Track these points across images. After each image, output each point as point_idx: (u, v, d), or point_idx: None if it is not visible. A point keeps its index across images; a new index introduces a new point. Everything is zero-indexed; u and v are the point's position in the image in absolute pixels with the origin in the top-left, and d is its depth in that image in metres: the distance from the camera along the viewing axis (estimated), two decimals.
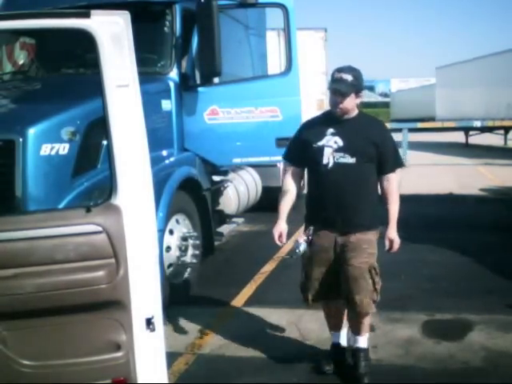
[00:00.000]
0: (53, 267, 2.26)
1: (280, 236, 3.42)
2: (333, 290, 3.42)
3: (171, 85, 5.15)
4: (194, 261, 5.06)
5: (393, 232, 3.41)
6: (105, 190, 2.81)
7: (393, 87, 46.97)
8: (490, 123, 17.81)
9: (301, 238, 3.41)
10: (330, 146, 3.30)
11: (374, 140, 3.31)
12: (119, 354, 2.33)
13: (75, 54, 5.31)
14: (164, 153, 5.02)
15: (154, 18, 5.22)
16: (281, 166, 3.61)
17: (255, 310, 4.68)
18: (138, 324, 2.34)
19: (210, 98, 5.30)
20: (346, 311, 3.55)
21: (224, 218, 6.11)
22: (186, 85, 5.28)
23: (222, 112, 5.30)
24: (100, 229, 2.28)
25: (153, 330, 2.36)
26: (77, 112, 4.25)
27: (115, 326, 2.34)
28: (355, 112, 3.37)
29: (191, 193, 5.17)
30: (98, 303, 2.30)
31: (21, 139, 3.85)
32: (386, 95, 49.96)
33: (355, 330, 3.52)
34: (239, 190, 6.64)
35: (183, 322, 4.45)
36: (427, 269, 5.66)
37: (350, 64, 3.38)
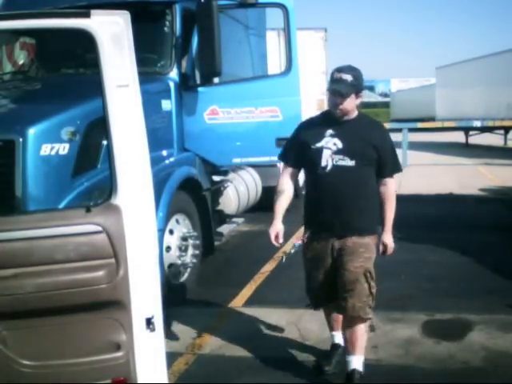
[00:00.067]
0: (53, 267, 2.26)
1: (276, 236, 3.34)
2: (334, 294, 3.35)
3: (171, 85, 5.15)
4: (194, 261, 5.07)
5: (388, 236, 3.36)
6: (105, 189, 2.81)
7: (393, 87, 47.00)
8: (490, 123, 17.83)
9: (297, 240, 3.43)
10: (329, 147, 3.22)
11: (373, 143, 3.23)
12: (119, 353, 2.33)
13: (75, 54, 5.31)
14: (164, 153, 5.01)
15: (154, 18, 5.22)
16: (281, 165, 3.52)
17: (255, 310, 4.68)
18: (138, 324, 2.34)
19: (210, 98, 5.30)
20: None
21: (224, 218, 6.11)
22: (186, 85, 5.28)
23: (222, 112, 5.30)
24: (100, 229, 2.28)
25: (153, 329, 2.36)
26: (77, 112, 4.25)
27: (115, 325, 2.34)
28: (355, 113, 3.29)
29: (191, 193, 5.17)
30: (98, 303, 2.30)
31: (21, 139, 3.85)
32: (386, 95, 49.98)
33: (350, 346, 3.33)
34: (239, 190, 6.64)
35: (183, 322, 4.45)
36: (427, 269, 5.66)
37: (349, 64, 3.29)
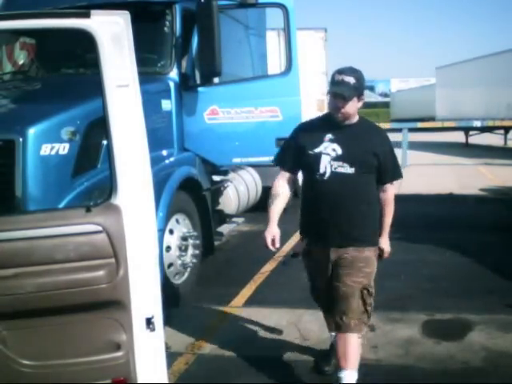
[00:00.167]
0: (53, 267, 2.27)
1: (273, 240, 3.19)
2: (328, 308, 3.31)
3: (171, 85, 5.15)
4: (194, 260, 5.07)
5: (384, 241, 3.29)
6: (105, 189, 2.81)
7: (393, 87, 46.98)
8: (490, 123, 17.83)
9: (295, 248, 3.41)
10: (328, 153, 3.06)
11: (374, 150, 3.08)
12: (119, 353, 2.33)
13: (75, 53, 5.31)
14: (164, 153, 5.02)
15: (154, 18, 5.22)
16: None
17: (255, 310, 4.68)
18: (138, 324, 2.34)
19: (210, 98, 5.31)
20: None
21: (224, 217, 6.11)
22: (186, 85, 5.28)
23: (222, 112, 5.30)
24: (100, 228, 2.28)
25: (153, 329, 2.36)
26: (77, 112, 4.25)
27: (115, 325, 2.34)
28: (356, 117, 3.14)
29: (191, 193, 5.17)
30: (98, 303, 2.30)
31: (21, 139, 3.85)
32: (386, 95, 49.93)
33: (342, 360, 3.11)
34: (239, 190, 6.64)
35: (183, 322, 4.45)
36: (427, 269, 5.66)
37: (350, 64, 3.15)
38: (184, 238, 4.94)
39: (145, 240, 2.33)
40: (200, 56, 5.10)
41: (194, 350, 4.00)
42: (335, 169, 3.05)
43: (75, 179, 4.14)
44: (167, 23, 5.23)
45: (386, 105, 42.89)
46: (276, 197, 3.24)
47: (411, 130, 16.84)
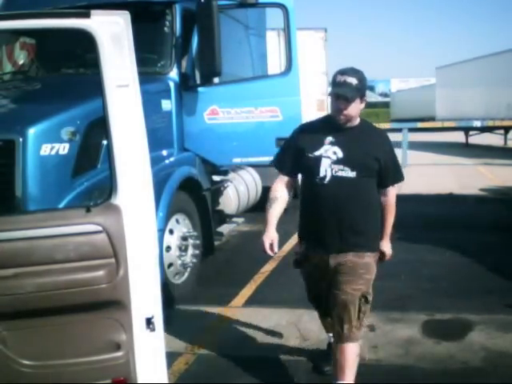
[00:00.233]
0: (53, 267, 2.27)
1: (271, 245, 3.08)
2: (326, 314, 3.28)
3: (171, 85, 5.15)
4: (194, 260, 5.07)
5: (385, 244, 3.25)
6: (105, 189, 2.81)
7: (393, 87, 47.01)
8: (490, 123, 17.82)
9: (297, 255, 3.29)
10: (329, 156, 2.98)
11: (376, 153, 3.02)
12: (119, 353, 2.33)
13: (75, 53, 5.32)
14: (164, 153, 5.02)
15: (154, 18, 5.23)
16: None
17: (255, 310, 4.68)
18: (138, 324, 2.34)
19: (210, 98, 5.31)
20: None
21: (224, 217, 6.12)
22: (186, 85, 5.28)
23: (222, 112, 5.30)
24: (100, 228, 2.28)
25: (153, 329, 2.36)
26: (77, 112, 4.26)
27: (115, 325, 2.34)
28: (358, 120, 3.06)
29: (191, 193, 5.17)
30: (98, 303, 2.30)
31: (21, 139, 3.85)
32: (386, 95, 49.94)
33: (339, 370, 3.07)
34: (239, 190, 6.64)
35: (183, 322, 4.45)
36: (427, 269, 5.66)
37: (350, 64, 3.09)
38: (184, 238, 4.94)
39: (145, 240, 2.33)
40: (200, 56, 5.10)
41: (194, 350, 4.00)
42: (336, 172, 2.97)
43: (75, 179, 4.14)
44: (167, 23, 5.23)
45: (386, 105, 42.89)
46: (274, 200, 3.16)
47: (411, 129, 16.84)
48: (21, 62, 5.90)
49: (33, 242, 2.26)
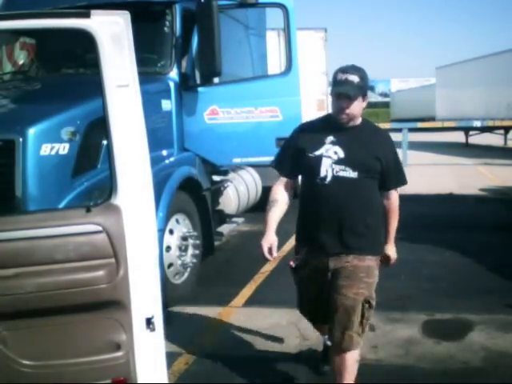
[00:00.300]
0: (53, 267, 2.27)
1: (270, 249, 2.98)
2: (323, 320, 3.18)
3: (171, 85, 5.15)
4: (194, 260, 5.07)
5: (391, 248, 3.18)
6: (105, 189, 2.82)
7: (393, 87, 47.03)
8: (490, 123, 17.84)
9: (293, 262, 3.13)
10: (329, 156, 2.90)
11: (377, 154, 2.94)
12: (119, 353, 2.33)
13: (75, 53, 5.32)
14: (164, 153, 5.02)
15: (154, 18, 5.23)
16: None
17: (255, 310, 4.68)
18: (138, 324, 2.34)
19: (210, 98, 5.31)
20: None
21: (224, 217, 6.11)
22: (186, 85, 5.28)
23: (222, 112, 5.30)
24: (100, 228, 2.28)
25: (153, 329, 2.36)
26: (77, 112, 4.26)
27: (115, 325, 2.34)
28: (359, 119, 2.98)
29: (191, 193, 5.17)
30: (98, 303, 2.30)
31: (21, 139, 3.85)
32: (386, 95, 49.97)
33: (338, 376, 3.01)
34: (239, 190, 6.64)
35: (183, 322, 4.45)
36: (427, 269, 5.66)
37: (352, 63, 2.98)
38: (184, 238, 4.94)
39: (145, 240, 2.33)
40: (200, 56, 5.10)
41: (194, 350, 4.00)
42: (337, 173, 2.89)
43: (75, 179, 4.14)
44: (167, 23, 5.23)
45: (386, 105, 42.90)
46: (274, 203, 3.05)
47: (411, 129, 16.85)
48: (21, 62, 5.90)
49: (33, 242, 2.26)
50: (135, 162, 2.30)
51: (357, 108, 2.88)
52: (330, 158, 2.90)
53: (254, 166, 7.02)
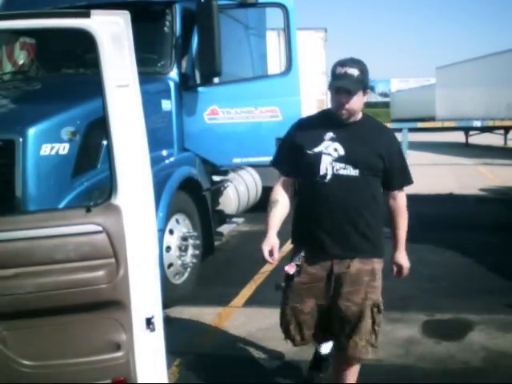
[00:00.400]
0: (53, 267, 2.26)
1: (271, 252, 2.80)
2: (322, 330, 2.98)
3: (171, 85, 5.15)
4: (194, 261, 5.07)
5: (401, 256, 3.00)
6: (105, 189, 2.82)
7: (393, 87, 47.04)
8: (490, 123, 17.83)
9: (290, 268, 2.84)
10: (329, 153, 2.75)
11: (379, 151, 2.79)
12: (119, 353, 2.33)
13: (75, 53, 5.32)
14: (164, 153, 5.02)
15: (154, 18, 5.23)
16: None
17: (255, 310, 4.68)
18: (138, 324, 2.34)
19: (210, 98, 5.31)
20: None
21: (224, 217, 6.12)
22: (186, 85, 5.28)
23: (222, 112, 5.30)
24: (100, 229, 2.28)
25: (153, 329, 2.36)
26: (77, 112, 4.26)
27: (115, 325, 2.34)
28: (360, 114, 2.83)
29: (191, 193, 5.17)
30: (98, 303, 2.30)
31: (21, 139, 3.85)
32: (386, 95, 50.01)
33: (341, 379, 2.97)
34: (239, 190, 6.64)
35: (183, 322, 4.45)
36: (427, 269, 5.66)
37: (351, 56, 2.82)
38: (184, 238, 4.94)
39: (145, 240, 2.33)
40: (200, 56, 5.10)
41: (194, 349, 4.00)
42: (337, 171, 2.75)
43: (75, 179, 4.15)
44: (167, 23, 5.23)
45: (386, 105, 42.92)
46: (275, 204, 2.90)
47: (411, 129, 16.82)
48: (21, 62, 5.90)
49: (33, 242, 2.26)
50: (135, 162, 2.30)
51: (357, 103, 2.73)
52: (329, 156, 2.76)
53: (254, 165, 7.02)
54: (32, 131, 3.89)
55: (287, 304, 2.97)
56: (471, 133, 21.07)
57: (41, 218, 2.41)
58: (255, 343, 4.07)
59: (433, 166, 15.09)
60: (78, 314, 2.33)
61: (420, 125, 19.09)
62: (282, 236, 2.92)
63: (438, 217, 8.22)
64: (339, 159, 2.75)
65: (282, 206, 2.90)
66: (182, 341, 4.09)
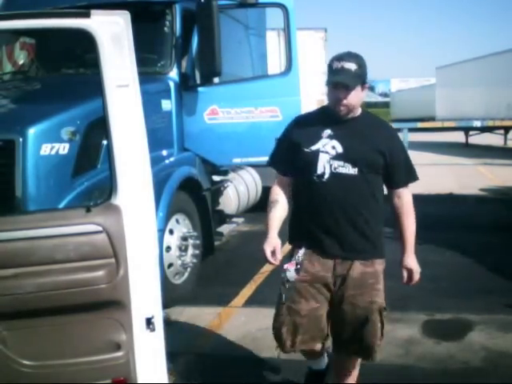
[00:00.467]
0: (53, 267, 2.27)
1: (273, 253, 2.74)
2: (319, 334, 2.89)
3: (171, 85, 5.15)
4: (194, 261, 5.07)
5: (411, 260, 2.85)
6: (105, 189, 2.81)
7: (393, 87, 47.01)
8: (490, 123, 17.84)
9: (290, 266, 2.76)
10: (327, 151, 2.67)
11: (380, 147, 2.70)
12: (119, 353, 2.33)
13: (75, 53, 5.32)
14: (164, 153, 5.02)
15: (154, 18, 5.23)
16: None
17: (255, 310, 4.68)
18: (138, 324, 2.34)
19: (210, 98, 5.31)
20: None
21: (224, 217, 6.12)
22: (186, 85, 5.28)
23: (222, 112, 5.30)
24: (100, 229, 2.28)
25: (153, 329, 2.36)
26: (77, 112, 4.26)
27: (115, 325, 2.34)
28: (359, 110, 2.75)
29: (191, 193, 5.17)
30: (98, 303, 2.30)
31: (21, 139, 3.85)
32: (386, 95, 50.00)
33: (342, 379, 2.97)
34: (239, 190, 6.64)
35: (183, 322, 4.45)
36: (427, 269, 5.59)
37: (348, 50, 2.73)
38: (184, 238, 4.94)
39: (145, 240, 2.33)
40: (200, 56, 5.10)
41: (195, 349, 4.00)
42: (335, 169, 2.67)
43: (75, 179, 4.15)
44: (167, 23, 5.23)
45: (386, 105, 42.90)
46: (274, 204, 2.84)
47: (411, 129, 16.84)
48: (21, 62, 5.90)
49: (33, 242, 2.26)
50: (135, 162, 2.30)
51: (355, 98, 2.65)
52: (327, 154, 2.68)
53: (254, 166, 7.02)
54: (32, 131, 3.89)
55: (283, 303, 2.87)
56: (471, 133, 21.06)
57: (41, 218, 2.41)
58: (255, 343, 4.07)
59: (433, 166, 15.07)
60: (77, 314, 2.33)
61: (420, 125, 19.11)
62: (282, 236, 2.89)
63: (438, 217, 8.22)
64: (337, 157, 2.68)
65: (281, 206, 2.85)
66: (181, 341, 4.10)
